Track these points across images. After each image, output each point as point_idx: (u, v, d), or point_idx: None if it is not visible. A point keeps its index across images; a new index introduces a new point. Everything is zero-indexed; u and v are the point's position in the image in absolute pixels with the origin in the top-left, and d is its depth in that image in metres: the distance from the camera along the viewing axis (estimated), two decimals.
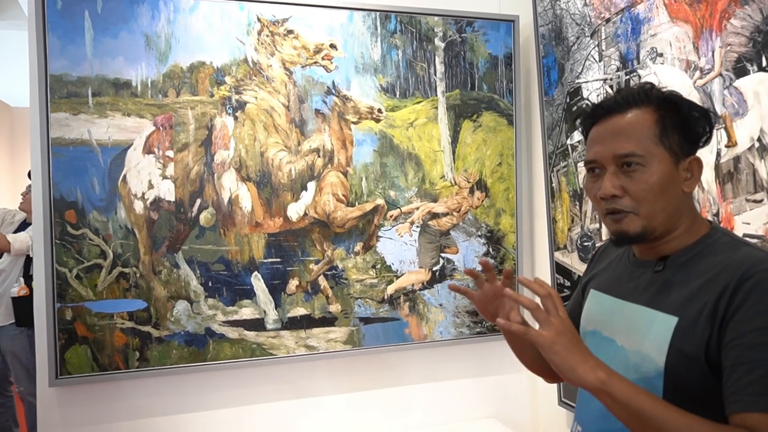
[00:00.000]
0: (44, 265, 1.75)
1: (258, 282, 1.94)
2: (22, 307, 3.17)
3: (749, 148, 1.31)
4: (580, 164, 1.92)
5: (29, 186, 3.34)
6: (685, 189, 0.93)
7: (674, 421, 0.79)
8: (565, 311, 0.88)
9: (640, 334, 0.94)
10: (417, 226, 2.11)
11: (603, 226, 1.83)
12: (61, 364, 1.77)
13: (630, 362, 0.94)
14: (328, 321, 2.02)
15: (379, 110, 2.05)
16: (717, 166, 1.39)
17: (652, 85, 0.97)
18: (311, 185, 1.99)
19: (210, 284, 1.89)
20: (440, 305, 2.14)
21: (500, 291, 1.11)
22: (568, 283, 2.01)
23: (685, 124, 0.93)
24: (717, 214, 1.40)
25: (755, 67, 1.29)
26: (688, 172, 0.94)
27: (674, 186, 0.92)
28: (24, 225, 3.43)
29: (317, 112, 1.99)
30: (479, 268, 2.18)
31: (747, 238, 1.28)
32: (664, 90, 0.96)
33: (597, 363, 0.85)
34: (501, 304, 1.13)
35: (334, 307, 2.02)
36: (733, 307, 0.82)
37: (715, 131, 0.97)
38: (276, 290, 1.96)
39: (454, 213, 2.15)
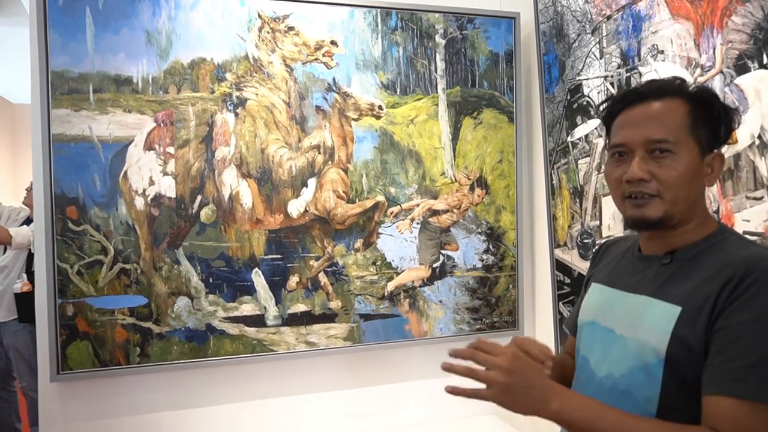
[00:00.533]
0: (45, 261, 1.76)
1: (258, 278, 1.94)
2: (25, 303, 3.18)
3: (750, 146, 1.31)
4: (581, 161, 1.92)
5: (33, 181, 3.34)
6: (706, 183, 0.96)
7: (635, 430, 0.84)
8: (501, 351, 0.91)
9: (642, 323, 0.95)
10: (417, 223, 2.12)
11: (603, 223, 1.83)
12: (62, 360, 1.78)
13: (630, 350, 0.95)
14: (328, 317, 2.02)
15: (380, 107, 2.05)
16: None
17: (683, 80, 0.98)
18: (312, 182, 1.99)
19: (211, 280, 1.90)
20: (440, 302, 2.15)
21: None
22: (568, 280, 2.01)
23: (715, 120, 0.94)
24: (717, 211, 1.40)
25: (756, 65, 1.29)
26: (710, 167, 0.95)
27: (698, 178, 0.94)
28: (28, 222, 3.44)
29: (318, 108, 1.99)
30: (479, 265, 2.18)
31: (752, 238, 1.28)
32: (700, 86, 0.98)
33: (549, 395, 0.89)
34: None
35: (335, 304, 2.03)
36: (732, 297, 0.84)
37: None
38: (276, 286, 1.96)
39: (455, 210, 2.15)
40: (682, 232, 0.96)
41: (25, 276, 3.29)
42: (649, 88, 0.97)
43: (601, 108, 1.10)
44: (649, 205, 0.94)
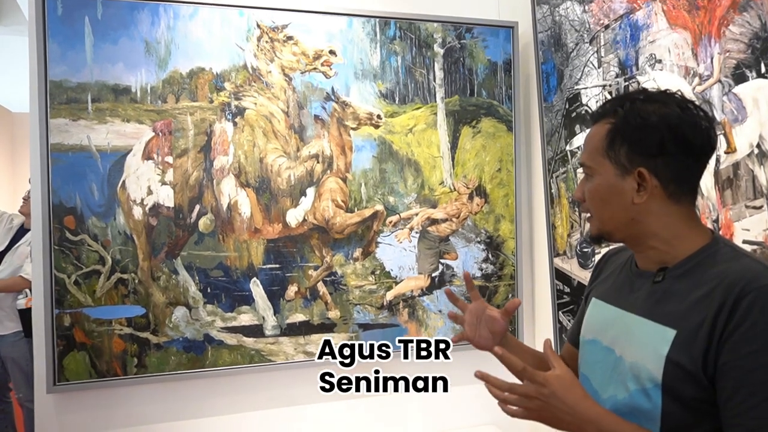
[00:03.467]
0: (43, 271, 1.75)
1: (257, 288, 1.94)
2: (30, 317, 3.18)
3: (748, 155, 1.31)
4: (579, 170, 1.92)
5: (30, 190, 3.33)
6: (635, 200, 0.93)
7: None
8: (542, 377, 0.90)
9: (637, 345, 0.93)
10: (416, 232, 2.11)
11: None
12: (59, 371, 1.76)
13: (628, 373, 0.94)
14: (327, 327, 2.01)
15: (378, 116, 2.05)
16: (716, 173, 1.39)
17: (640, 91, 0.98)
18: (310, 191, 1.99)
19: (209, 290, 1.89)
20: (439, 311, 2.14)
21: (483, 311, 1.18)
22: (567, 289, 2.00)
23: (630, 135, 0.92)
24: (717, 221, 1.39)
25: (754, 74, 1.29)
26: (643, 182, 0.92)
27: (619, 197, 0.94)
28: (22, 230, 3.42)
29: (316, 118, 1.99)
30: (478, 275, 2.17)
31: (748, 250, 1.28)
32: (625, 104, 0.95)
33: (583, 423, 0.88)
34: (489, 321, 1.18)
35: (333, 314, 2.02)
36: (731, 325, 0.81)
37: (710, 139, 0.93)
38: (275, 296, 1.95)
39: (454, 219, 2.15)
40: (653, 246, 0.95)
41: (28, 291, 3.28)
42: (598, 112, 1.01)
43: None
44: (590, 222, 1.03)
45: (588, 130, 1.03)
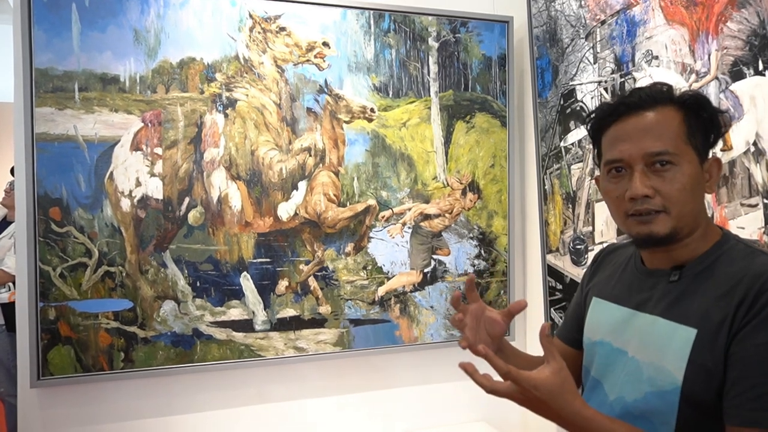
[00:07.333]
0: (27, 263, 1.70)
1: (247, 282, 1.91)
2: (13, 312, 3.12)
3: (744, 153, 1.31)
4: (574, 167, 1.91)
5: (12, 182, 3.28)
6: (707, 190, 0.93)
7: None
8: (529, 382, 0.82)
9: (655, 346, 0.91)
10: (409, 228, 2.09)
11: (596, 229, 1.82)
12: (43, 365, 1.72)
13: (644, 375, 0.91)
14: (317, 322, 1.99)
15: (372, 110, 2.02)
16: None
17: (669, 85, 0.95)
18: (302, 185, 1.96)
19: (198, 284, 1.86)
20: (431, 307, 2.12)
21: (482, 313, 1.08)
22: (559, 286, 2.00)
23: (708, 124, 0.92)
24: (712, 218, 1.39)
25: (751, 71, 1.28)
26: (708, 174, 0.93)
27: (700, 187, 0.91)
28: (4, 223, 3.36)
29: (309, 110, 1.96)
30: (470, 270, 2.16)
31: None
32: (689, 90, 0.95)
33: (569, 424, 0.84)
34: (488, 323, 1.08)
35: (324, 309, 2.00)
36: (747, 318, 0.81)
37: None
38: (265, 291, 1.93)
39: (446, 214, 2.13)
40: (686, 244, 0.92)
41: (12, 285, 3.22)
42: (639, 98, 0.92)
43: (588, 120, 1.03)
44: (655, 221, 0.89)
45: (629, 120, 0.92)
